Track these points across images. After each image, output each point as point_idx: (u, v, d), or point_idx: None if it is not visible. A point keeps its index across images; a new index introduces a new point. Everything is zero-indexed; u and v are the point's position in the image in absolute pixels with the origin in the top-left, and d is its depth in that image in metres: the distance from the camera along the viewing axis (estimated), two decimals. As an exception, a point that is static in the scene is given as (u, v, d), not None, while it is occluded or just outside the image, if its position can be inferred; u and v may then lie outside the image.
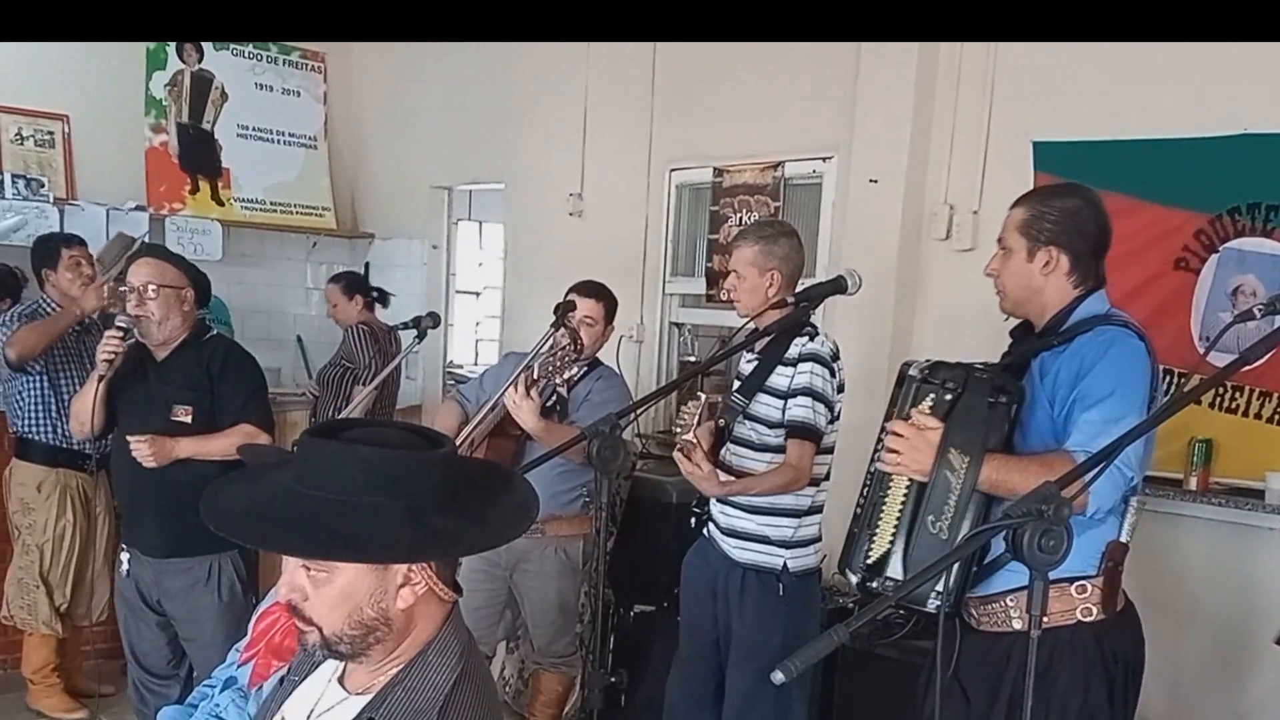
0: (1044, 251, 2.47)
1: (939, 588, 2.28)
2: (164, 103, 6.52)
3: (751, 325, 3.37)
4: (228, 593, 3.64)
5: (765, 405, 3.28)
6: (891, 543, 2.42)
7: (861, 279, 3.22)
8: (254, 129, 6.87)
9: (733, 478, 3.28)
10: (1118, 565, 2.40)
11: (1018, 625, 2.40)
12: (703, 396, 3.21)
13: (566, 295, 3.97)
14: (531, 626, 4.16)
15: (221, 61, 6.73)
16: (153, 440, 3.47)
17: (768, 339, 3.28)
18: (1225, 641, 3.62)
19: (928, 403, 2.37)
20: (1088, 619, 2.38)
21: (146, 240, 5.56)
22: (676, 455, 3.21)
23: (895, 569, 2.40)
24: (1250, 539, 3.52)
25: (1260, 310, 1.75)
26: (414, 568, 1.59)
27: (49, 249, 4.61)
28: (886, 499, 2.45)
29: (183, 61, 6.59)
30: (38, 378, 4.41)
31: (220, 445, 3.48)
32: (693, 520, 3.55)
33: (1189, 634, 3.67)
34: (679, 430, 3.23)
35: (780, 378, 3.26)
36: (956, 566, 2.33)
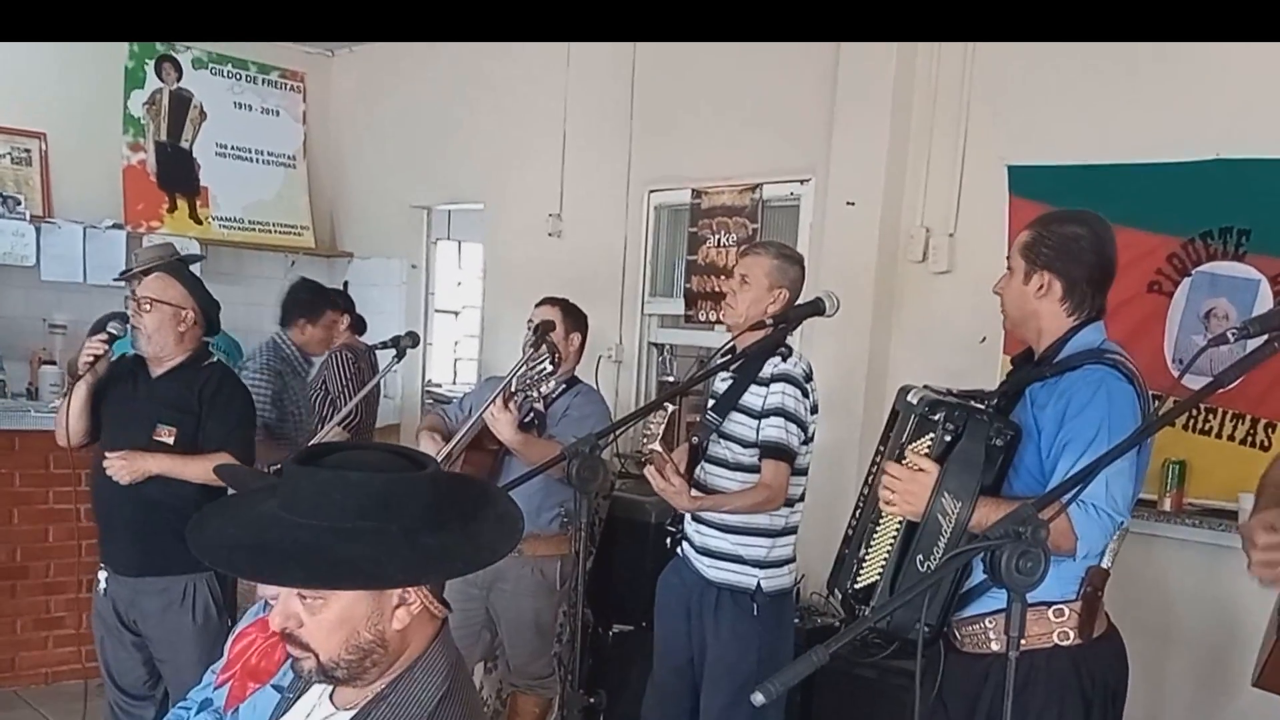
0: (1039, 275, 2.49)
1: (927, 621, 2.32)
2: (142, 121, 6.51)
3: (730, 344, 3.39)
4: (202, 614, 3.61)
5: (739, 424, 3.29)
6: (880, 575, 2.44)
7: (840, 301, 3.24)
8: (232, 148, 6.86)
9: (705, 495, 3.29)
10: (1097, 591, 2.42)
11: (995, 647, 2.43)
12: (668, 407, 3.22)
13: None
14: (508, 646, 4.14)
15: (200, 80, 6.73)
16: (127, 455, 3.45)
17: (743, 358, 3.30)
18: (1201, 661, 3.65)
19: (926, 442, 2.36)
20: (1064, 643, 2.39)
21: (183, 255, 5.45)
22: (648, 471, 3.21)
23: (883, 600, 2.41)
24: (1224, 559, 3.54)
25: (1234, 334, 1.76)
26: (408, 590, 1.59)
27: (316, 305, 4.64)
28: (877, 531, 2.46)
29: (161, 80, 6.58)
30: None
31: (196, 469, 3.43)
32: (668, 540, 3.55)
33: (1164, 654, 3.69)
34: (645, 440, 3.24)
35: (754, 397, 3.27)
36: (941, 595, 2.36)
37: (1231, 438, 3.61)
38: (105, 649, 3.74)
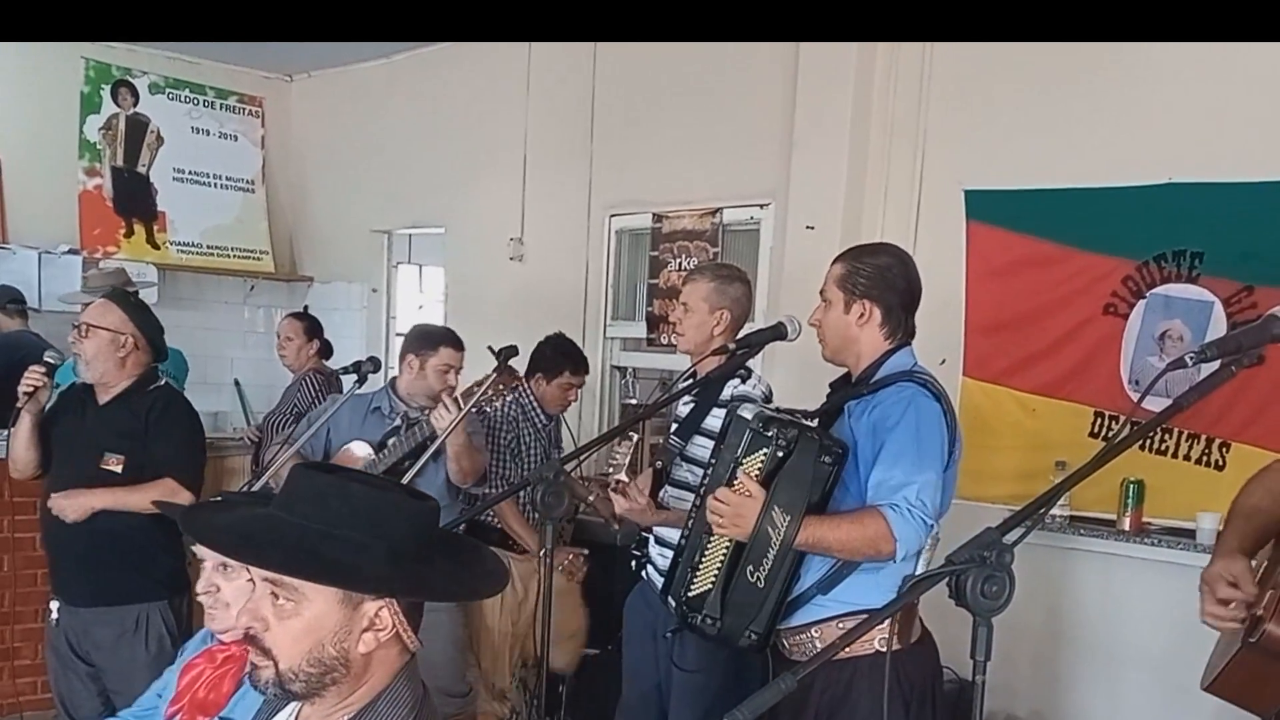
0: (859, 304, 2.66)
1: (754, 630, 2.52)
2: (98, 146, 6.45)
3: (692, 370, 3.40)
4: (156, 644, 3.56)
5: (701, 447, 3.29)
6: (712, 585, 2.56)
7: (801, 325, 3.25)
8: (190, 172, 6.82)
9: (667, 510, 3.29)
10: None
11: None
12: (634, 436, 3.24)
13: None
14: (426, 671, 4.06)
15: (157, 105, 6.69)
16: (70, 494, 3.43)
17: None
18: (1160, 681, 3.67)
19: (760, 457, 2.48)
20: (885, 649, 2.49)
21: (136, 286, 5.42)
22: (614, 496, 3.21)
23: (714, 608, 2.55)
24: (1183, 578, 3.56)
25: (1192, 358, 1.81)
26: (380, 614, 1.58)
27: (557, 363, 4.54)
28: (710, 544, 2.58)
29: (118, 105, 6.53)
30: None
31: (139, 499, 3.39)
32: (632, 563, 3.55)
33: (1124, 674, 3.71)
34: (611, 470, 3.25)
35: (715, 420, 3.27)
36: (773, 601, 2.51)
37: (1188, 457, 3.66)
38: (59, 681, 3.68)
